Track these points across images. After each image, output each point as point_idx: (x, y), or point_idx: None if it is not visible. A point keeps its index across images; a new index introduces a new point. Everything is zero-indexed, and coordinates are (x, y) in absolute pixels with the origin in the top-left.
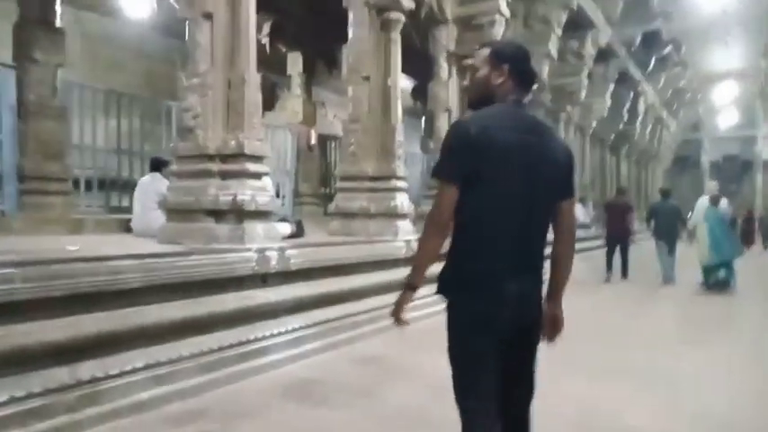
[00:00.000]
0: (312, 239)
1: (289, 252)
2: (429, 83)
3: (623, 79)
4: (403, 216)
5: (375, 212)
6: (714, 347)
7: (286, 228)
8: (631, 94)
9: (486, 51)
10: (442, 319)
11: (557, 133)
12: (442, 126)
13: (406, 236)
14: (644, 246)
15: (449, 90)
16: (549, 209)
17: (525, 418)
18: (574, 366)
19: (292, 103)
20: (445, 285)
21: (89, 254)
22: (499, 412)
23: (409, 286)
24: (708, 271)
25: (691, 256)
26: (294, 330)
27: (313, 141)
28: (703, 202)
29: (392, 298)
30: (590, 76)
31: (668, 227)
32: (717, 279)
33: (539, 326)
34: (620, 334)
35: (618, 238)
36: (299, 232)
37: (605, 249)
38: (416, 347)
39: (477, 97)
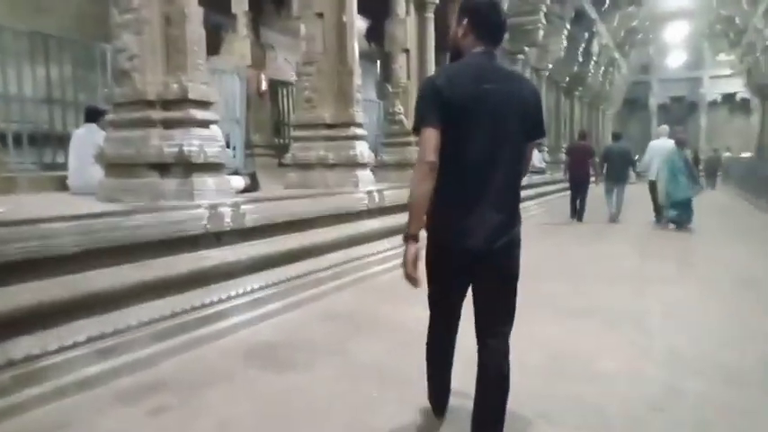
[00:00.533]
0: (268, 193)
1: (244, 208)
2: (385, 21)
3: (579, 19)
4: (363, 165)
5: (334, 162)
6: (677, 284)
7: (239, 181)
8: (586, 34)
9: None
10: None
11: (524, 79)
12: (401, 68)
13: (367, 186)
14: (592, 188)
15: (407, 28)
16: (518, 149)
17: (500, 345)
18: (542, 308)
19: (239, 45)
20: (431, 222)
21: (17, 216)
22: (478, 341)
23: (409, 238)
24: (671, 208)
25: (640, 197)
26: (254, 291)
27: (264, 87)
28: (660, 144)
29: (356, 252)
30: (547, 15)
31: (619, 169)
32: (679, 217)
33: (510, 260)
34: (585, 274)
35: (581, 181)
36: (253, 186)
37: (570, 192)
38: (382, 300)
39: (451, 52)
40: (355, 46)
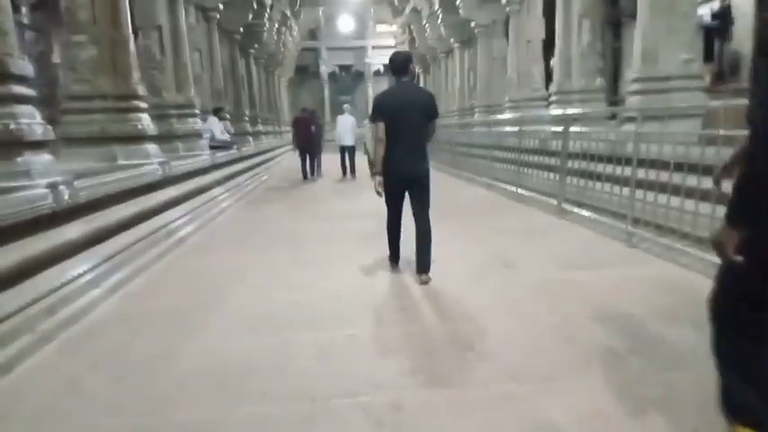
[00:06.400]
0: None
1: None
2: None
3: None
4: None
5: None
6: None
7: None
8: None
9: None
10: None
11: (426, 91)
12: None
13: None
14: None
15: None
16: (422, 127)
17: (427, 218)
18: None
19: None
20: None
21: None
22: (416, 219)
23: (375, 174)
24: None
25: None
26: None
27: None
28: (345, 119)
29: None
30: None
31: (308, 139)
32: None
33: (426, 179)
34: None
35: (307, 146)
36: None
37: (300, 157)
38: None
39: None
40: None
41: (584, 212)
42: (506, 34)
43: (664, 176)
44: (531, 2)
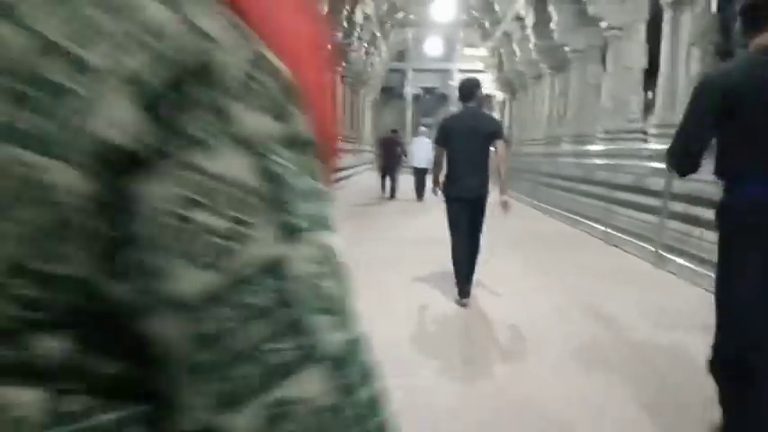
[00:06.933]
0: None
1: None
2: None
3: None
4: None
5: None
6: None
7: None
8: None
9: None
10: None
11: (492, 117)
12: None
13: None
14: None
15: None
16: (485, 150)
17: (478, 239)
18: None
19: None
20: (443, 186)
21: None
22: (467, 236)
23: (435, 183)
24: None
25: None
26: None
27: None
28: (419, 140)
29: None
30: None
31: (392, 160)
32: None
33: (482, 201)
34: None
35: (391, 166)
36: None
37: (380, 175)
38: None
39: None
40: None
41: (687, 263)
42: (602, 60)
43: None
44: (634, 27)
